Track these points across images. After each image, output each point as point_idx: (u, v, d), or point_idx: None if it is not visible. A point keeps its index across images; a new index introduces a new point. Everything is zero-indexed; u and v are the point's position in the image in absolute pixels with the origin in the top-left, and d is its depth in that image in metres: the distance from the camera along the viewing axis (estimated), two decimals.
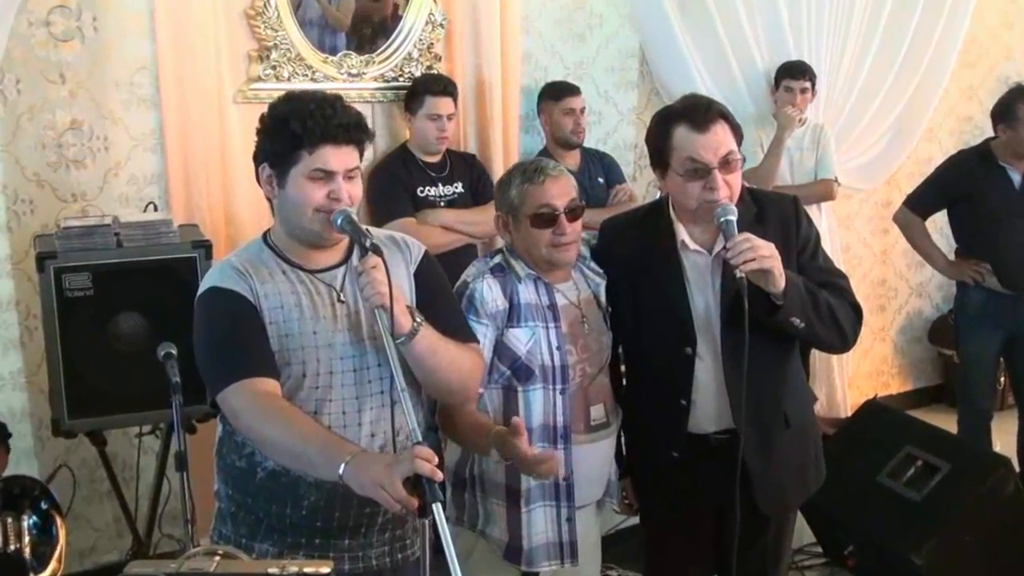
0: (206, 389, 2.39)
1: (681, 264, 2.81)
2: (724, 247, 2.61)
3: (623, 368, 3.07)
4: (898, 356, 6.42)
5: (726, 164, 2.66)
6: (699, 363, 2.81)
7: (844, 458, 4.08)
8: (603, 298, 2.94)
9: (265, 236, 2.46)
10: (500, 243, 4.59)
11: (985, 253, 4.71)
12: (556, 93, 4.66)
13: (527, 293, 2.81)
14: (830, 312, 2.73)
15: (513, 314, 2.78)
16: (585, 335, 2.87)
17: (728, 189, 2.67)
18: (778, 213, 2.83)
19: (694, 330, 2.79)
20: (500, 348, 2.78)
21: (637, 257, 2.87)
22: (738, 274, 2.54)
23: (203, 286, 2.40)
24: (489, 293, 2.76)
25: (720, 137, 2.66)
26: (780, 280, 2.57)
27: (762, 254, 2.53)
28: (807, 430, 3.02)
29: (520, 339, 2.77)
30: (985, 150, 4.74)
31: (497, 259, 2.87)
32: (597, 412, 2.90)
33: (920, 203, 4.91)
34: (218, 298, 2.34)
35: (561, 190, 2.80)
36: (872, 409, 4.56)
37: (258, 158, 2.39)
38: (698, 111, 2.68)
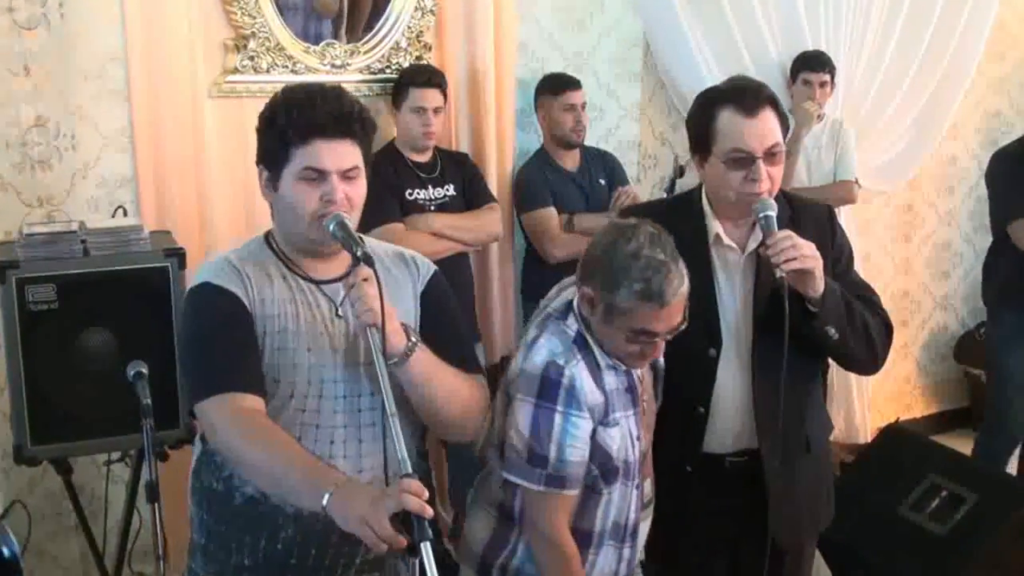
0: (187, 392, 2.46)
1: (711, 260, 2.89)
2: (763, 244, 2.70)
3: None
4: (922, 376, 6.52)
5: (771, 156, 2.75)
6: (722, 369, 2.88)
7: (863, 488, 4.19)
8: (660, 359, 2.85)
9: (268, 236, 2.54)
10: (494, 251, 4.88)
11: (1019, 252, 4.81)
12: (555, 87, 4.79)
13: (610, 377, 2.71)
14: (864, 326, 2.82)
15: (607, 407, 2.69)
16: (646, 410, 2.84)
17: (770, 182, 2.76)
18: (813, 219, 2.94)
19: (720, 331, 2.87)
20: (592, 447, 2.68)
21: None
22: (778, 273, 2.63)
23: (196, 279, 2.47)
24: (588, 382, 2.64)
25: (768, 125, 2.75)
26: (820, 284, 2.67)
27: (804, 253, 2.62)
28: (825, 459, 3.13)
29: (613, 437, 2.69)
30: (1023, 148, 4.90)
31: (573, 325, 2.70)
32: (648, 487, 2.90)
33: (1018, 210, 4.82)
34: (211, 295, 2.40)
35: (672, 315, 2.60)
36: (893, 434, 4.67)
37: (257, 161, 2.47)
38: (748, 94, 2.77)
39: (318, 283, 2.48)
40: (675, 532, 3.05)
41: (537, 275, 4.80)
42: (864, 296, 2.92)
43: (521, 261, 5.01)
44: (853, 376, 5.68)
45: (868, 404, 5.97)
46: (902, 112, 5.94)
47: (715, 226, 2.89)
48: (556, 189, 4.79)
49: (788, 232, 2.67)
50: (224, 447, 2.35)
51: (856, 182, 5.41)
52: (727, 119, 2.76)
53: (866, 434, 5.77)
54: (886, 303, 6.12)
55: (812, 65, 5.29)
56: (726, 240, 2.88)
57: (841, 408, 5.76)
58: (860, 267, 5.59)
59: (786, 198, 2.95)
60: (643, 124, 5.29)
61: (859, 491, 4.14)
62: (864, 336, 2.83)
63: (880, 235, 6.22)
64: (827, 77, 5.29)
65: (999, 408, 5.10)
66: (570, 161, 4.85)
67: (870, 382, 5.97)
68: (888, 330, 2.94)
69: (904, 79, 5.87)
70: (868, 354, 2.88)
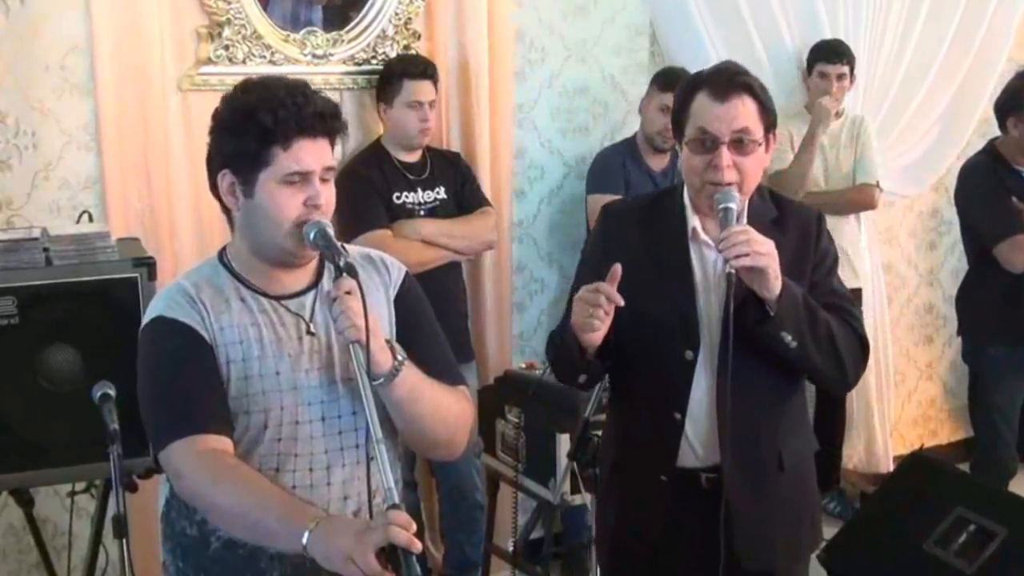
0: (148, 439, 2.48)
1: (689, 256, 2.99)
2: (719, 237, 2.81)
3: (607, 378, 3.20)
4: (948, 398, 6.53)
5: (739, 143, 2.84)
6: (698, 373, 2.96)
7: (885, 521, 4.20)
8: None
9: (221, 255, 2.58)
10: (488, 261, 4.97)
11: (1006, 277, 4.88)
12: (662, 82, 4.83)
13: None
14: (829, 337, 2.90)
15: None
16: None
17: (736, 173, 2.85)
18: (800, 222, 3.05)
19: (698, 332, 2.95)
20: None
21: (641, 244, 3.02)
22: (727, 269, 2.73)
23: (148, 314, 2.52)
24: None
25: (739, 110, 2.85)
26: (775, 284, 2.75)
27: (757, 250, 2.70)
28: (804, 479, 3.19)
29: None
30: (994, 155, 4.99)
31: None
32: None
33: (1004, 229, 4.84)
34: (163, 330, 2.45)
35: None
36: (918, 463, 4.61)
37: (214, 164, 2.49)
38: (721, 78, 2.89)
39: (280, 299, 2.52)
40: (641, 549, 3.11)
41: None
42: (840, 305, 3.02)
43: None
44: (874, 399, 5.79)
45: (890, 430, 6.04)
46: (927, 108, 6.02)
47: (693, 220, 2.99)
48: (632, 181, 4.85)
49: (745, 227, 2.78)
50: (191, 495, 2.42)
51: (877, 185, 5.46)
52: (699, 103, 2.89)
53: (888, 463, 5.85)
54: (910, 318, 6.28)
55: (828, 56, 5.35)
56: (703, 235, 2.98)
57: (862, 434, 5.84)
58: (882, 278, 5.74)
59: (773, 198, 3.08)
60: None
61: (880, 524, 4.20)
62: (829, 347, 2.91)
63: (903, 243, 6.29)
64: (845, 69, 5.35)
65: (988, 442, 5.19)
66: (658, 163, 4.94)
67: (892, 405, 6.05)
68: (863, 345, 3.03)
69: (929, 71, 5.96)
70: (834, 367, 2.95)
